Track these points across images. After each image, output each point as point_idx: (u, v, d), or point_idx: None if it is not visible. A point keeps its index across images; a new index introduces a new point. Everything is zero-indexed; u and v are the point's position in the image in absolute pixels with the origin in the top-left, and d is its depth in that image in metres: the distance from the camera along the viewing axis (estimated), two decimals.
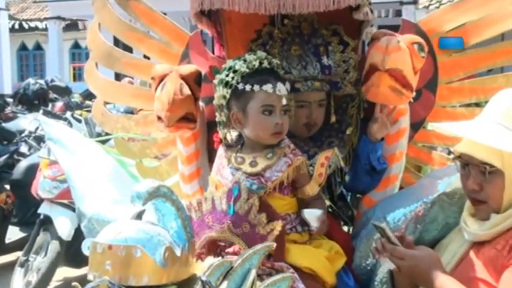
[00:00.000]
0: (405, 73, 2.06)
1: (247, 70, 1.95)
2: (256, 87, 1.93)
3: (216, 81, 2.04)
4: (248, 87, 1.94)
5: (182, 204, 2.02)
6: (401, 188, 2.31)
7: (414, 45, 2.08)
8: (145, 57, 2.75)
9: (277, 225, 1.85)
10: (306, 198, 2.02)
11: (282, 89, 1.96)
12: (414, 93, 2.15)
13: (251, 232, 1.85)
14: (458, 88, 2.44)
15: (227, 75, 1.98)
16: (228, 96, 1.99)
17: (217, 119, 2.10)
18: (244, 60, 1.98)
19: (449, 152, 3.53)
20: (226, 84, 1.98)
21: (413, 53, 2.08)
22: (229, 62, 2.02)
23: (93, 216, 2.54)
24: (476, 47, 2.38)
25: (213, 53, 2.55)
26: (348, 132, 2.28)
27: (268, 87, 1.93)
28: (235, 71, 1.96)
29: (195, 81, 2.23)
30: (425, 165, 2.63)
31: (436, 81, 2.40)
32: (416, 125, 2.40)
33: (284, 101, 1.95)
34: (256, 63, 1.96)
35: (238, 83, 1.95)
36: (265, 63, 1.97)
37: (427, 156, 2.54)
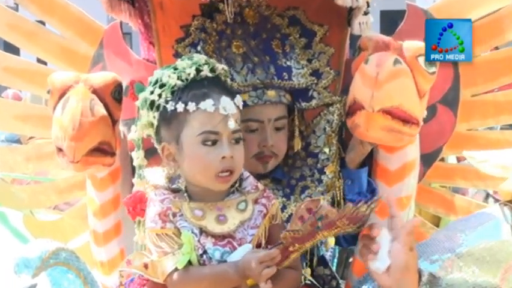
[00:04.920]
0: (407, 107, 2.05)
1: (180, 82, 1.96)
2: (191, 106, 1.92)
3: (139, 103, 2.04)
4: (180, 107, 1.93)
5: (92, 275, 2.12)
6: None
7: (419, 59, 2.06)
8: (40, 61, 2.80)
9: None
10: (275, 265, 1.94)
11: (229, 105, 1.95)
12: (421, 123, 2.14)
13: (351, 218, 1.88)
14: (491, 103, 2.52)
15: (152, 93, 1.98)
16: (155, 122, 1.99)
17: (135, 162, 2.08)
18: (175, 69, 1.98)
19: (487, 196, 3.64)
20: (152, 106, 1.98)
21: (418, 71, 2.06)
22: (156, 73, 2.02)
23: None
24: None
25: (140, 54, 2.59)
26: (328, 171, 2.29)
27: (207, 104, 1.92)
28: (162, 85, 1.97)
29: (113, 95, 2.25)
30: (445, 215, 2.71)
31: (457, 93, 2.47)
32: (430, 157, 2.44)
33: (232, 124, 1.94)
34: (192, 72, 1.96)
35: (167, 102, 1.96)
36: (206, 71, 1.98)
37: (447, 202, 2.60)
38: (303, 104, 2.32)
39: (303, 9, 2.34)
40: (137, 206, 2.06)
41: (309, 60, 2.33)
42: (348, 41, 2.42)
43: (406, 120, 2.07)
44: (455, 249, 2.01)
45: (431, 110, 2.34)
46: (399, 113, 2.05)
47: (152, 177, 2.10)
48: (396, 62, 2.03)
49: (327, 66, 2.34)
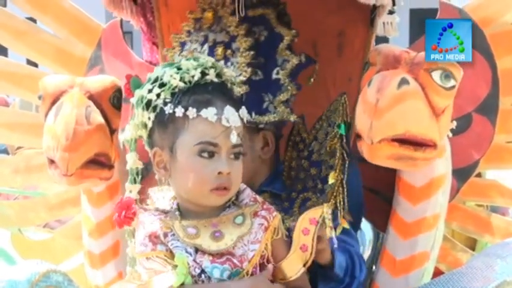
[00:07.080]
0: (416, 131, 2.01)
1: (182, 84, 1.96)
2: (191, 112, 1.92)
3: (134, 100, 2.02)
4: (179, 111, 1.92)
5: None
6: (438, 273, 2.29)
7: (433, 74, 2.03)
8: (29, 62, 2.81)
9: None
10: (281, 283, 2.02)
11: (233, 117, 1.95)
12: (444, 143, 2.13)
13: None
14: None
15: (150, 91, 1.97)
16: (150, 124, 1.98)
17: (128, 165, 2.04)
18: (178, 69, 1.98)
19: None
20: (148, 105, 1.97)
21: (432, 88, 2.02)
22: (156, 70, 2.01)
23: None
24: None
25: (141, 56, 2.66)
26: (330, 180, 2.22)
27: (209, 112, 1.91)
28: (162, 85, 1.96)
29: (111, 101, 2.27)
30: (481, 237, 2.69)
31: (496, 101, 2.47)
32: (464, 172, 2.45)
33: (234, 139, 1.94)
34: (197, 74, 1.97)
35: (165, 104, 1.94)
36: (212, 75, 1.98)
37: (483, 222, 2.60)
38: (255, 118, 2.28)
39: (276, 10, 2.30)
40: (122, 212, 2.03)
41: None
42: (373, 43, 2.44)
43: (419, 144, 2.03)
44: (496, 278, 2.02)
45: (466, 119, 2.37)
46: (409, 138, 2.01)
47: (158, 198, 2.10)
48: (402, 83, 2.00)
49: (289, 76, 2.30)
